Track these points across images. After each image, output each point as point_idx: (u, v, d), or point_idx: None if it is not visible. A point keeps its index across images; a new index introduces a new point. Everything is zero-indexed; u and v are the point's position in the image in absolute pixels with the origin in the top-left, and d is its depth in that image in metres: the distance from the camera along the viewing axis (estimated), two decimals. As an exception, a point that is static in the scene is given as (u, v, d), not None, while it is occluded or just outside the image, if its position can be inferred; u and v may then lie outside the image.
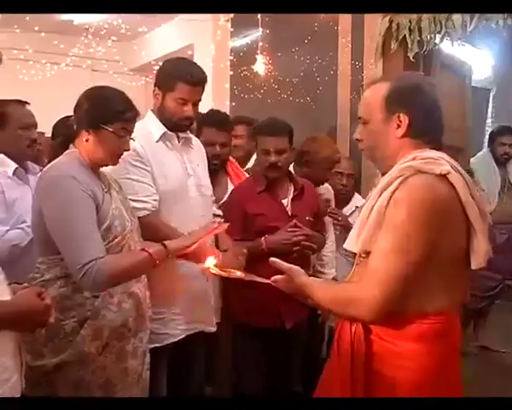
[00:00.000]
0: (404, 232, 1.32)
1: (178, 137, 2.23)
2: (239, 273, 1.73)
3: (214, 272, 1.73)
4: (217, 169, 2.64)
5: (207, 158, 2.46)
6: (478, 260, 1.41)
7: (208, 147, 2.53)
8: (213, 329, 2.30)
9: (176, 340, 2.15)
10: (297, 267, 1.55)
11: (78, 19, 5.39)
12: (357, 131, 1.56)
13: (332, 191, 3.01)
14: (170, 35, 5.57)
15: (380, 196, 1.42)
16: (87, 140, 1.77)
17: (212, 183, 2.42)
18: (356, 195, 3.17)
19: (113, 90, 1.85)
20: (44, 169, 1.78)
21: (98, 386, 1.74)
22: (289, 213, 2.47)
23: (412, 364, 1.42)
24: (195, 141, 2.39)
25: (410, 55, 3.32)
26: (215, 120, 2.66)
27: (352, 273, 1.55)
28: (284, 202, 2.49)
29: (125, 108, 1.80)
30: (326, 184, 2.98)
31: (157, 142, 2.17)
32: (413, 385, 1.42)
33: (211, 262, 1.75)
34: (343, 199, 3.08)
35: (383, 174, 1.49)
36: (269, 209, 2.46)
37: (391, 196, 1.38)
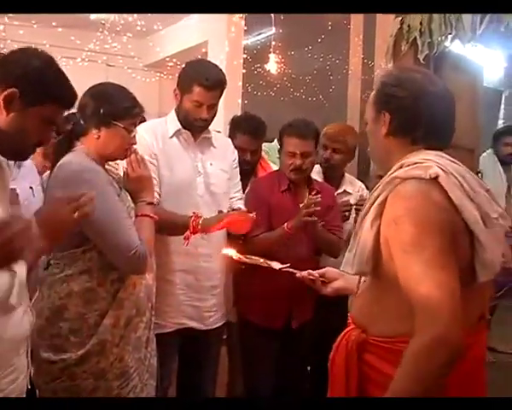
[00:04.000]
0: (429, 245, 1.17)
1: (196, 136, 2.28)
2: (261, 260, 1.82)
3: (236, 258, 1.83)
4: (248, 173, 2.71)
5: (239, 162, 2.51)
6: (485, 271, 1.24)
7: (240, 152, 2.59)
8: (204, 328, 2.28)
9: (164, 332, 2.16)
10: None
11: (95, 14, 5.45)
12: None
13: (364, 189, 2.94)
14: (184, 32, 5.59)
15: (368, 213, 1.32)
16: (98, 137, 1.82)
17: (242, 184, 2.49)
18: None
19: (117, 86, 1.91)
20: (61, 165, 1.78)
21: (116, 377, 1.78)
22: None
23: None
24: (221, 141, 2.43)
25: (421, 57, 3.34)
26: (250, 128, 2.72)
27: (360, 292, 1.45)
28: (301, 205, 2.46)
29: (132, 103, 1.87)
30: (360, 183, 2.96)
31: (171, 137, 2.25)
32: None
33: (231, 251, 1.84)
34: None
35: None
36: (288, 210, 2.44)
37: (380, 210, 1.27)
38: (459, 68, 3.50)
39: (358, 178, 3.18)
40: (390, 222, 1.23)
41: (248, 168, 2.73)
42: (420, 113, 1.32)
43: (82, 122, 1.84)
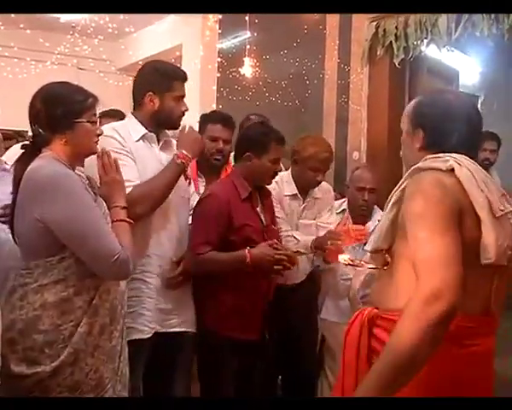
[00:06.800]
0: (433, 215, 1.33)
1: (159, 140, 2.24)
2: (370, 266, 1.86)
3: (346, 262, 1.91)
4: (218, 166, 2.73)
5: (210, 154, 2.63)
6: (486, 252, 1.36)
7: (212, 142, 2.68)
8: (181, 330, 2.20)
9: (144, 337, 2.08)
10: None
11: (65, 16, 5.33)
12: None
13: (332, 194, 2.93)
14: (158, 35, 5.52)
15: (391, 199, 1.52)
16: (66, 142, 1.74)
17: (213, 180, 2.52)
18: (376, 208, 2.85)
19: (62, 83, 1.82)
20: (31, 171, 1.71)
21: (91, 389, 1.72)
22: (264, 224, 2.37)
23: None
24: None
25: (396, 62, 3.34)
26: (220, 117, 2.81)
27: (378, 275, 1.60)
28: (258, 209, 2.39)
29: (85, 95, 1.79)
30: (328, 186, 2.91)
31: (136, 141, 2.16)
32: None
33: (344, 255, 1.94)
34: (363, 215, 2.82)
35: None
36: (251, 219, 2.32)
37: (400, 195, 1.45)
38: (435, 73, 3.52)
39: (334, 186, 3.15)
40: (406, 201, 1.41)
41: (220, 159, 2.71)
42: (449, 130, 1.52)
43: (41, 131, 1.74)
